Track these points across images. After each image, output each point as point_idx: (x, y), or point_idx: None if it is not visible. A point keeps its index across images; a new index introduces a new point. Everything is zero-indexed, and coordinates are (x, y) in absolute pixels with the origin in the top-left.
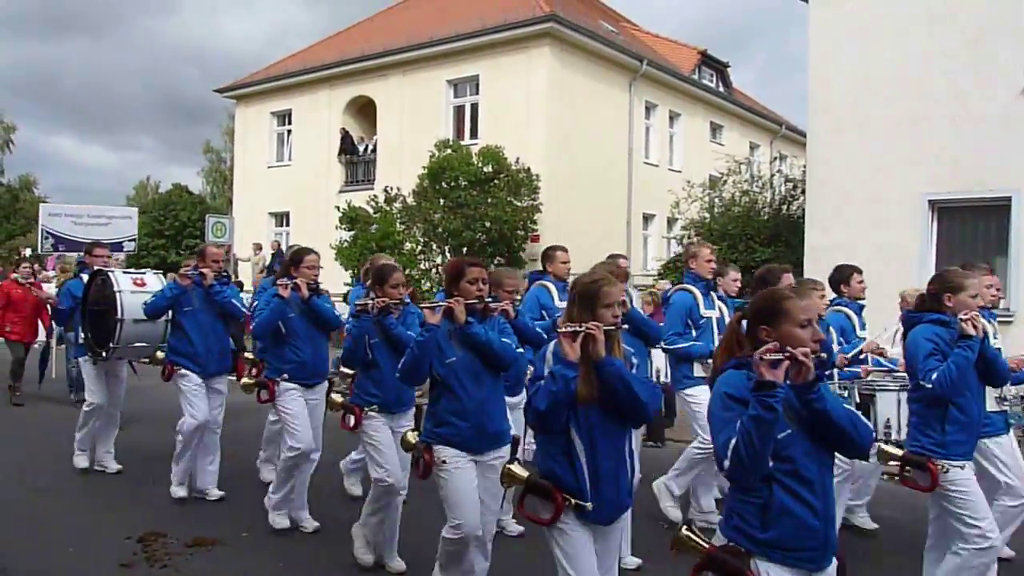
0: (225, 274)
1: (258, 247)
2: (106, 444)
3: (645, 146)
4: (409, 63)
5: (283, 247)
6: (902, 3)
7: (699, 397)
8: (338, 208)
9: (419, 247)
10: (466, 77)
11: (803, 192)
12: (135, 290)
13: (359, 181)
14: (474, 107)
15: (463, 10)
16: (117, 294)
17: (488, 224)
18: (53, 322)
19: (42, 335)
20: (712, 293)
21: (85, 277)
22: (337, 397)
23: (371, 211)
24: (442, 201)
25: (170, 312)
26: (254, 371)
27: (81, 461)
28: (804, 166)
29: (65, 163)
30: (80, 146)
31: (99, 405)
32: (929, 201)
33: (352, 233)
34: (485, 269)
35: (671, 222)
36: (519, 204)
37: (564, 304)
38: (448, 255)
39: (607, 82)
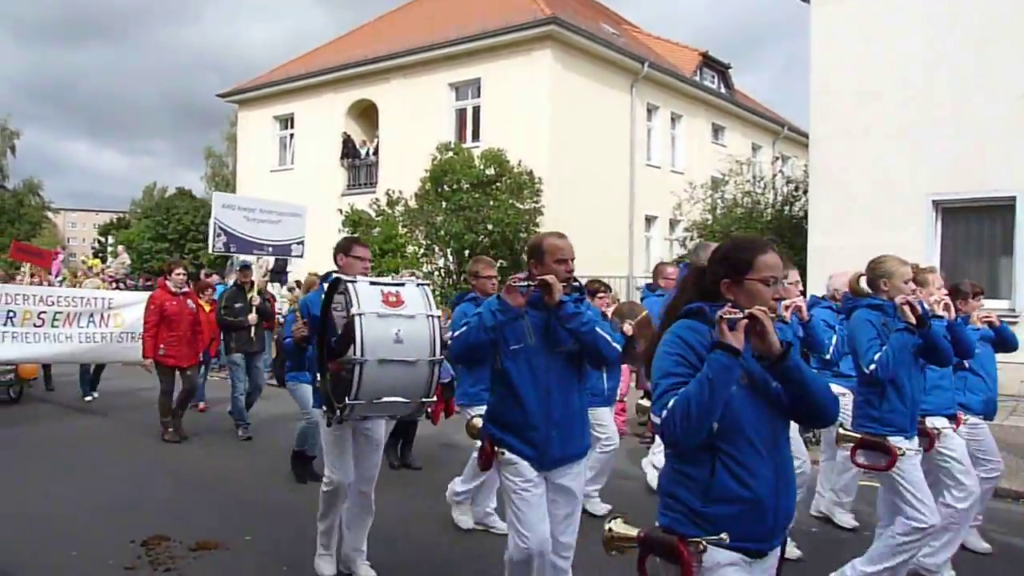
0: (577, 283)
1: None
2: (357, 537)
3: (647, 148)
4: (411, 66)
5: None
6: (903, 5)
7: None
8: (341, 211)
9: (421, 250)
10: (468, 80)
11: (805, 193)
12: (385, 312)
13: (361, 184)
14: (476, 110)
15: (464, 13)
16: (357, 319)
17: (490, 226)
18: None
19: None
20: None
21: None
22: None
23: (373, 214)
24: (444, 204)
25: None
26: None
27: (326, 567)
28: (806, 167)
29: (79, 168)
30: (95, 151)
31: (340, 483)
32: (933, 202)
33: (355, 236)
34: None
35: (673, 224)
36: (521, 206)
37: None
38: (450, 258)
39: (608, 84)
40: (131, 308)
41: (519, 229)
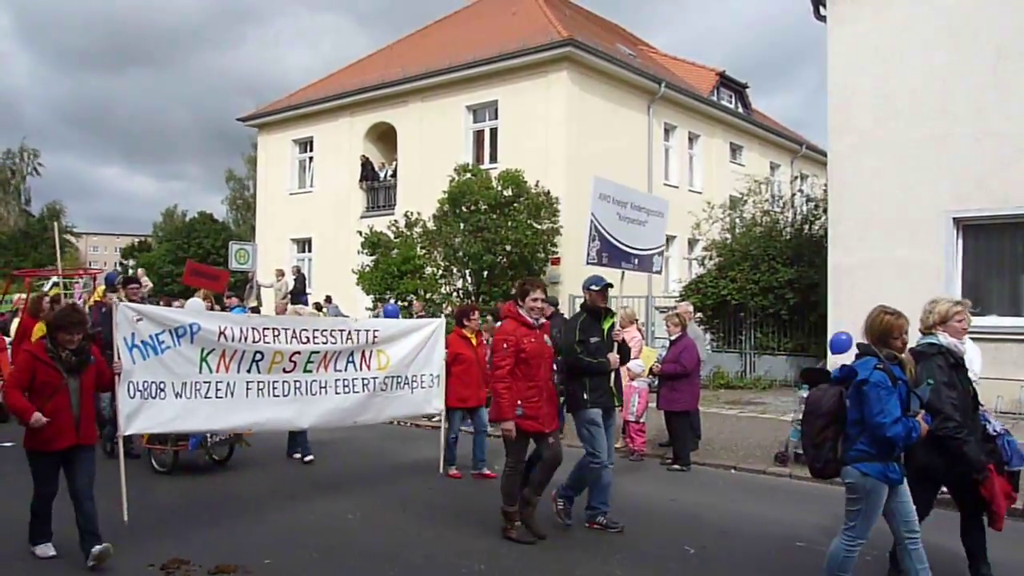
0: None
1: (280, 273)
2: None
3: (665, 168)
4: (428, 89)
5: (304, 272)
6: (922, 21)
7: None
8: (360, 233)
9: (440, 271)
10: (485, 102)
11: (825, 211)
12: None
13: (380, 206)
14: (493, 131)
15: (481, 36)
16: None
17: (508, 247)
18: None
19: None
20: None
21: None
22: None
23: (392, 236)
24: (462, 225)
25: None
26: None
27: None
28: (825, 185)
29: (111, 192)
30: (127, 175)
31: None
32: (954, 219)
33: (373, 258)
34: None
35: (692, 243)
36: (539, 227)
37: None
38: (469, 279)
39: (626, 104)
40: (398, 343)
41: (537, 249)
